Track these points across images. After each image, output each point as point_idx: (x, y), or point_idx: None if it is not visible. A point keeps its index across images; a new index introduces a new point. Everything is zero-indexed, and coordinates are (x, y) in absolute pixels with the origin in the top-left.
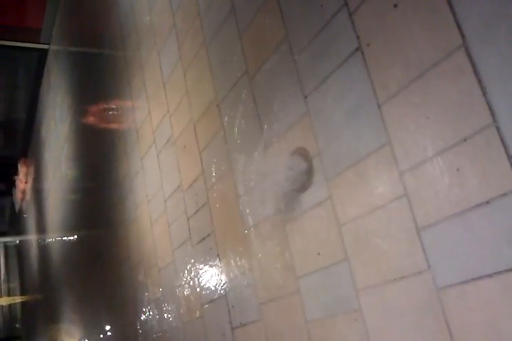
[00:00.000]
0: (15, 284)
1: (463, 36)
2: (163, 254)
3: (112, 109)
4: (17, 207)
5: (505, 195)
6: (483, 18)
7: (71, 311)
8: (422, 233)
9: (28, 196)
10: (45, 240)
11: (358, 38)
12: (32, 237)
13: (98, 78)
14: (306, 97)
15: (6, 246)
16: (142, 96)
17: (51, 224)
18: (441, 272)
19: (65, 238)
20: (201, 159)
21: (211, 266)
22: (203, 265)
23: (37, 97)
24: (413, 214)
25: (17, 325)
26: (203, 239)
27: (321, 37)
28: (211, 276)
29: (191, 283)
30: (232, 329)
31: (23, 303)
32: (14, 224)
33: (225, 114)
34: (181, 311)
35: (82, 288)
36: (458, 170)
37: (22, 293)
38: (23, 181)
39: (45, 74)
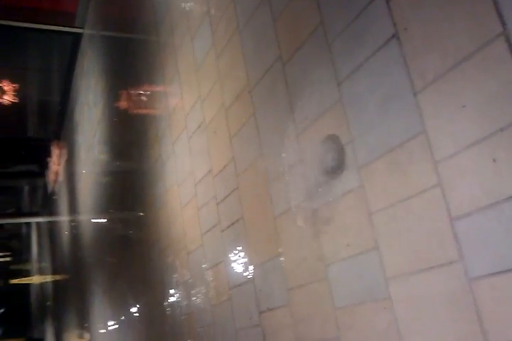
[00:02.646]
0: (46, 264)
1: (503, 24)
2: (192, 238)
3: (144, 94)
4: (49, 189)
5: None
6: None
7: (100, 291)
8: (455, 223)
9: (61, 178)
10: (76, 221)
11: (394, 25)
12: (63, 218)
13: (131, 63)
14: (339, 84)
15: (38, 227)
16: (175, 81)
17: (82, 206)
18: (474, 263)
19: (96, 220)
20: (232, 145)
21: (239, 251)
22: (231, 249)
23: (70, 81)
24: (447, 204)
25: (48, 303)
26: (232, 224)
27: (356, 23)
28: (239, 261)
29: (219, 266)
30: (260, 313)
31: (54, 282)
32: (47, 205)
33: (257, 100)
34: (209, 294)
35: (112, 269)
36: (494, 160)
37: (53, 273)
38: (55, 163)
39: (79, 58)
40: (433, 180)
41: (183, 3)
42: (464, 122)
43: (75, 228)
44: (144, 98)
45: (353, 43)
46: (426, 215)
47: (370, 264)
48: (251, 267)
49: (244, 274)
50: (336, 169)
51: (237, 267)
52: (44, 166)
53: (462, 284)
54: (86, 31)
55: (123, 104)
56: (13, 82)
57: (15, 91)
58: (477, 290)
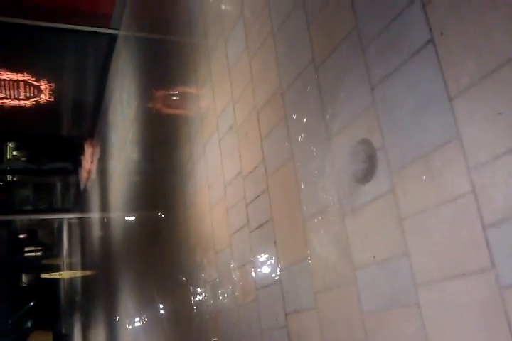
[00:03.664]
0: (76, 259)
1: None
2: (221, 238)
3: (177, 95)
4: (82, 186)
5: None
6: None
7: (128, 288)
8: (488, 231)
9: (93, 176)
10: (106, 219)
11: (430, 30)
12: (94, 215)
13: (164, 64)
14: (373, 89)
15: (69, 223)
16: (207, 83)
17: (113, 204)
18: (506, 271)
19: (126, 218)
20: (262, 147)
21: (267, 252)
22: (259, 250)
23: (105, 81)
24: (479, 211)
25: (76, 298)
26: (261, 225)
27: (392, 27)
28: (267, 262)
29: (247, 267)
30: (286, 314)
31: (83, 278)
32: (78, 202)
33: (289, 103)
34: (236, 294)
35: (140, 267)
36: None
37: (83, 268)
38: (88, 161)
39: (114, 58)
40: (466, 186)
41: (217, 6)
42: (500, 129)
43: (105, 225)
44: (176, 99)
45: (387, 48)
46: (458, 222)
47: (399, 270)
48: (278, 268)
49: (272, 275)
50: (368, 173)
51: (265, 268)
52: (77, 164)
53: (493, 292)
54: (121, 32)
55: (156, 104)
56: (49, 81)
57: (51, 90)
58: (508, 299)
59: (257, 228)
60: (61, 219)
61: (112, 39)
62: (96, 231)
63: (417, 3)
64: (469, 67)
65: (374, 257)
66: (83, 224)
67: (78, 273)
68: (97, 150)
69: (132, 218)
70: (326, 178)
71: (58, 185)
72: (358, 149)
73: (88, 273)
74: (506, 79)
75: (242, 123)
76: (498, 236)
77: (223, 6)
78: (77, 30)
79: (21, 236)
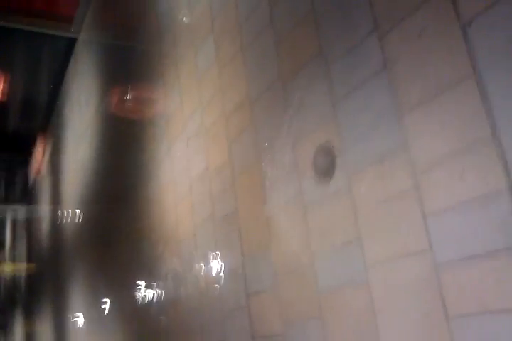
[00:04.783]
0: (21, 253)
1: (473, 67)
2: (185, 230)
3: (142, 98)
4: (31, 180)
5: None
6: (494, 50)
7: (81, 283)
8: (427, 219)
9: (44, 170)
10: (58, 212)
11: (385, 58)
12: (44, 209)
13: (129, 68)
14: (336, 103)
15: (14, 217)
16: (175, 88)
17: (66, 199)
18: (441, 252)
19: (80, 213)
20: (230, 149)
21: (231, 241)
22: (223, 239)
23: (61, 81)
24: (421, 203)
25: (17, 295)
26: (226, 215)
27: (353, 53)
28: (231, 250)
29: (210, 255)
30: (247, 295)
31: (28, 273)
32: (26, 195)
33: (258, 112)
34: (198, 281)
35: (95, 263)
36: (462, 171)
37: (28, 262)
38: (40, 155)
39: (72, 61)
40: (411, 184)
41: (188, 18)
42: (440, 142)
43: (56, 219)
44: (141, 101)
45: (349, 70)
46: (403, 212)
47: (352, 253)
48: (241, 255)
49: (235, 261)
50: (328, 173)
51: (228, 255)
52: (27, 157)
53: (430, 269)
54: (82, 35)
55: (118, 105)
56: (3, 77)
57: (4, 86)
58: (442, 274)
59: (222, 218)
60: (5, 211)
61: (72, 41)
62: (45, 226)
63: (373, 35)
64: (417, 90)
65: (331, 243)
66: (31, 218)
67: (22, 267)
68: (50, 145)
69: (87, 213)
70: (289, 177)
71: (4, 176)
72: (320, 153)
73: (34, 267)
74: (447, 101)
75: (211, 127)
76: (436, 223)
77: (195, 20)
78: (35, 32)
79: None
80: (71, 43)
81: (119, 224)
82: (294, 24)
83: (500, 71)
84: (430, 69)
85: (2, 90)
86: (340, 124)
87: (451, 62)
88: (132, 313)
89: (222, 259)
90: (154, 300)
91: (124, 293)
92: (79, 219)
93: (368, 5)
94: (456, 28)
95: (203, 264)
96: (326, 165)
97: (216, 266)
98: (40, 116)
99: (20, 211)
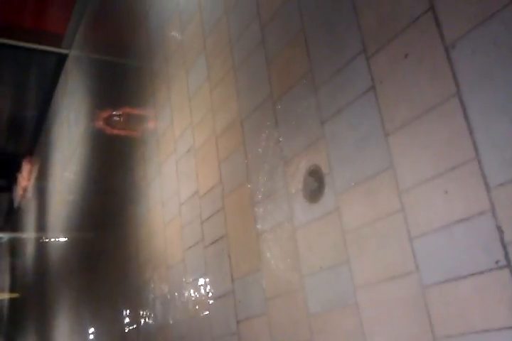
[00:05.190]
0: (3, 280)
1: (457, 85)
2: (174, 254)
3: (132, 117)
4: (16, 204)
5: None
6: (476, 72)
7: (67, 309)
8: (414, 241)
9: (29, 194)
10: (43, 238)
11: (372, 78)
12: (29, 235)
13: (120, 86)
14: (323, 123)
15: None
16: (166, 107)
17: (53, 223)
18: (427, 273)
19: (66, 237)
20: (220, 169)
21: (221, 266)
22: (213, 264)
23: (50, 99)
24: (407, 226)
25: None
26: (216, 240)
27: (341, 74)
28: (220, 275)
29: (200, 280)
30: (238, 322)
31: (10, 302)
32: (10, 220)
33: (248, 131)
34: (188, 306)
35: (81, 288)
36: (446, 192)
37: (11, 291)
38: (25, 179)
39: (62, 77)
40: (397, 205)
41: (180, 37)
42: (424, 161)
43: (41, 245)
44: (132, 120)
45: (337, 90)
46: (390, 234)
47: (341, 276)
48: (231, 280)
49: (225, 287)
50: (316, 194)
51: (218, 280)
52: (12, 181)
53: (417, 291)
54: (72, 52)
55: (109, 125)
56: None
57: None
58: (428, 295)
59: (211, 243)
60: None
61: (62, 58)
62: (31, 251)
63: (361, 56)
64: (402, 110)
65: (320, 266)
66: (14, 244)
67: (5, 295)
68: (36, 168)
69: (73, 238)
70: (279, 198)
71: None
72: (309, 173)
73: (18, 295)
74: (431, 121)
75: (201, 146)
76: (422, 245)
77: (187, 39)
78: (25, 48)
79: None
80: (61, 59)
81: (106, 249)
82: (284, 44)
83: (482, 93)
84: (415, 91)
85: None
86: (329, 145)
87: (435, 84)
88: (119, 338)
89: (212, 284)
90: (142, 327)
91: (110, 319)
92: (65, 245)
93: (356, 27)
94: (441, 50)
95: (192, 289)
96: (314, 187)
97: (205, 291)
98: (28, 136)
99: (3, 237)
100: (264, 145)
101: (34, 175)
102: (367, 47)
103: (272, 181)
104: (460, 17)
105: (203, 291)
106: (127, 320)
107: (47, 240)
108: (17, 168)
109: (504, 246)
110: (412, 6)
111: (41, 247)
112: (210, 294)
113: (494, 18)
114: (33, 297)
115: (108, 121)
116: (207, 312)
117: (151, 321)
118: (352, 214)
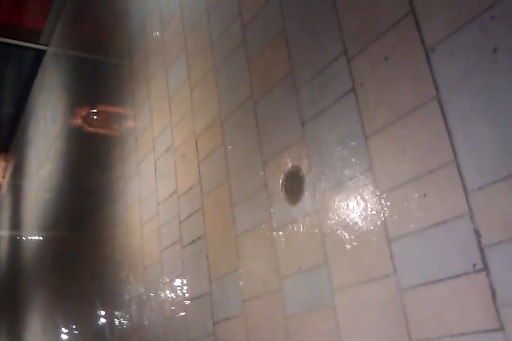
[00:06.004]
0: None
1: (437, 89)
2: (151, 254)
3: (111, 115)
4: None
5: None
6: (456, 76)
7: (38, 311)
8: (392, 244)
9: (4, 191)
10: (17, 236)
11: (353, 80)
12: (2, 233)
13: (99, 84)
14: (304, 124)
15: None
16: (145, 106)
17: (27, 221)
18: (404, 276)
19: (42, 236)
20: (199, 169)
21: (199, 266)
22: (190, 265)
23: (27, 95)
24: (385, 227)
25: None
26: (194, 241)
27: (321, 75)
28: (198, 275)
29: (177, 281)
30: (214, 323)
31: None
32: None
33: (228, 131)
34: (164, 307)
35: (54, 286)
36: (424, 195)
37: None
38: (0, 176)
39: (40, 74)
40: (376, 208)
41: (160, 36)
42: (403, 164)
43: (14, 242)
44: (109, 119)
45: (317, 92)
46: (368, 236)
47: (319, 278)
48: (209, 281)
49: (202, 287)
50: (296, 196)
51: (195, 281)
52: None
53: (394, 293)
54: (50, 49)
55: (86, 123)
56: None
57: None
58: (405, 298)
59: (189, 243)
60: None
61: (40, 54)
62: (3, 249)
63: (342, 58)
64: (382, 113)
65: (298, 267)
66: None
67: None
68: (11, 165)
69: (48, 236)
70: (258, 199)
71: None
72: (289, 174)
73: None
74: (410, 124)
75: (180, 146)
76: (400, 248)
77: (167, 38)
78: (2, 42)
79: None
80: (39, 55)
81: (82, 248)
82: (265, 44)
83: (462, 96)
84: (395, 93)
85: None
86: (309, 146)
87: (415, 87)
88: (91, 338)
89: (189, 285)
90: (116, 327)
91: (84, 319)
92: (39, 243)
93: (337, 29)
94: (421, 53)
95: (168, 290)
96: (294, 188)
97: (182, 291)
98: (3, 133)
99: None
100: (244, 146)
101: (9, 172)
102: (348, 49)
103: (252, 182)
104: (440, 21)
105: (179, 292)
106: (102, 320)
107: (21, 238)
108: None
109: (481, 250)
110: (392, 10)
111: (15, 245)
112: (187, 295)
113: (474, 22)
114: (5, 296)
115: (86, 119)
116: (183, 313)
117: (126, 321)
118: (331, 216)
